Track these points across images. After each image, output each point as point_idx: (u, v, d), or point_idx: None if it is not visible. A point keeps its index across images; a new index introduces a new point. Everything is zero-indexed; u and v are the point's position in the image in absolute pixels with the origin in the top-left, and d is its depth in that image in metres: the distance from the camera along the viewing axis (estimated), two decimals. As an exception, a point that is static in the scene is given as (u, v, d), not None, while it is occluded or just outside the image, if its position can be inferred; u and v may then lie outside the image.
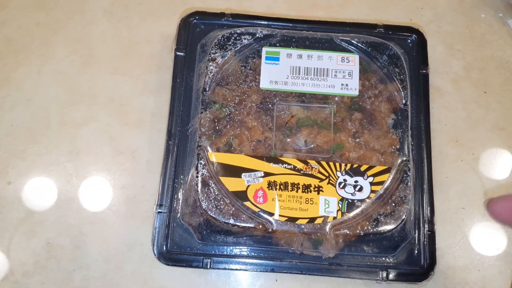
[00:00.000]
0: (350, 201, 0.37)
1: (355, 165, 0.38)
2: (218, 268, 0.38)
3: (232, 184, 0.37)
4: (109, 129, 0.47)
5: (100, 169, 0.45)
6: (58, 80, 0.48)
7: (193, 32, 0.43)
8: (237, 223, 0.36)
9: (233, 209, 0.36)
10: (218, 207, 0.36)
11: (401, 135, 0.39)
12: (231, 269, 0.38)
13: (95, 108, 0.47)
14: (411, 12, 0.50)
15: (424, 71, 0.43)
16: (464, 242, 0.43)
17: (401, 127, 0.40)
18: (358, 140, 0.39)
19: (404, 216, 0.37)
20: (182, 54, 0.42)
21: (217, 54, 0.40)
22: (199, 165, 0.37)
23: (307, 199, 0.36)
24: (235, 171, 0.37)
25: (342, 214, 0.36)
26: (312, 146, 0.39)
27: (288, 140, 0.39)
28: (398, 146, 0.39)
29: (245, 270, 0.38)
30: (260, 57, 0.40)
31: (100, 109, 0.47)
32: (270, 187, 0.37)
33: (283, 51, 0.40)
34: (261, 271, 0.38)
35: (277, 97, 0.40)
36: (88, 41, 0.49)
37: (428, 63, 0.43)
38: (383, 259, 0.38)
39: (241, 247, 0.38)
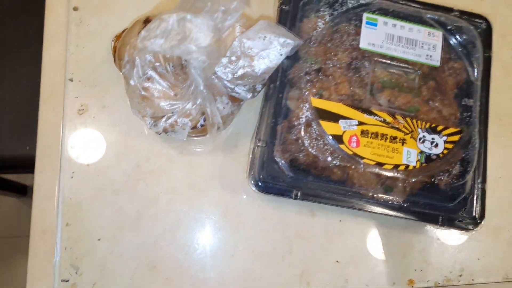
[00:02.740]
0: (428, 154, 0.43)
1: (433, 125, 0.44)
2: (305, 200, 0.44)
3: (330, 128, 0.42)
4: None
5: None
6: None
7: (296, -10, 0.47)
8: (334, 162, 0.42)
9: (331, 149, 0.42)
10: (318, 146, 0.42)
11: (472, 105, 0.46)
12: (317, 202, 0.44)
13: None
14: (474, 2, 0.56)
15: (488, 54, 0.49)
16: (498, 205, 0.51)
17: (471, 98, 0.46)
18: (432, 105, 0.46)
19: (467, 174, 0.44)
20: (286, 8, 0.46)
21: (325, 13, 0.44)
22: (303, 108, 0.42)
23: (393, 149, 0.43)
24: (334, 117, 0.42)
25: (420, 164, 0.43)
26: (393, 105, 0.45)
27: (373, 97, 0.45)
28: (466, 114, 0.46)
29: (329, 204, 0.44)
30: (361, 21, 0.45)
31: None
32: (363, 135, 0.42)
33: (380, 19, 0.46)
34: (341, 206, 0.44)
35: (369, 59, 0.45)
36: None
37: (492, 48, 0.50)
38: (443, 207, 0.45)
39: (326, 184, 0.44)
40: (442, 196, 0.45)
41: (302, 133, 0.42)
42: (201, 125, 0.43)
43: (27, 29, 0.71)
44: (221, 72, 0.41)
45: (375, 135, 0.42)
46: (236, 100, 0.44)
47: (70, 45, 0.49)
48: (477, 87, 0.46)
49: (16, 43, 0.71)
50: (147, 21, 0.43)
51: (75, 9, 0.49)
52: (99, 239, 0.46)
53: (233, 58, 0.41)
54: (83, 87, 0.48)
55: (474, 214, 0.45)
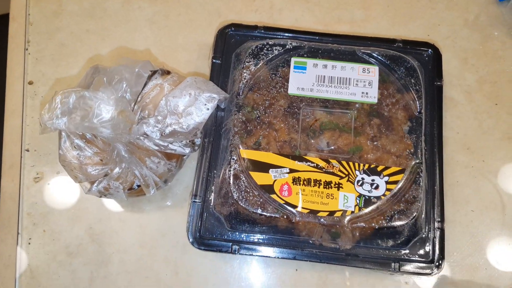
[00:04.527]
0: (367, 197, 0.41)
1: (372, 165, 0.42)
2: (245, 254, 0.42)
3: (260, 178, 0.41)
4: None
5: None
6: (104, 81, 0.53)
7: (229, 42, 0.48)
8: (264, 213, 0.40)
9: (261, 200, 0.41)
10: (248, 198, 0.41)
11: (415, 140, 0.43)
12: (257, 255, 0.42)
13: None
14: (429, 28, 0.54)
15: (438, 83, 0.47)
16: (473, 242, 0.46)
17: (415, 133, 0.44)
18: (376, 143, 0.43)
19: (415, 213, 0.41)
20: (218, 62, 0.47)
21: (250, 63, 0.44)
22: (231, 160, 0.42)
23: (328, 194, 0.40)
24: (263, 167, 0.41)
25: (360, 209, 0.40)
26: (333, 147, 0.43)
27: (312, 141, 0.43)
28: (412, 150, 0.43)
29: (270, 257, 0.42)
30: (289, 66, 0.45)
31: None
32: (294, 182, 0.41)
33: (309, 61, 0.45)
34: (283, 258, 0.42)
35: (303, 102, 0.44)
36: (132, 46, 0.54)
37: (442, 76, 0.47)
38: (396, 252, 0.42)
39: (266, 236, 0.42)
40: (393, 240, 0.42)
41: (231, 186, 0.41)
42: (138, 186, 0.43)
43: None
44: (150, 132, 0.42)
45: (307, 181, 0.41)
46: (173, 157, 0.45)
47: (26, 117, 0.52)
48: (420, 119, 0.44)
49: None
50: None
51: (30, 83, 0.52)
52: (55, 304, 0.47)
53: (159, 117, 0.42)
54: (38, 156, 0.51)
55: (431, 257, 0.41)
